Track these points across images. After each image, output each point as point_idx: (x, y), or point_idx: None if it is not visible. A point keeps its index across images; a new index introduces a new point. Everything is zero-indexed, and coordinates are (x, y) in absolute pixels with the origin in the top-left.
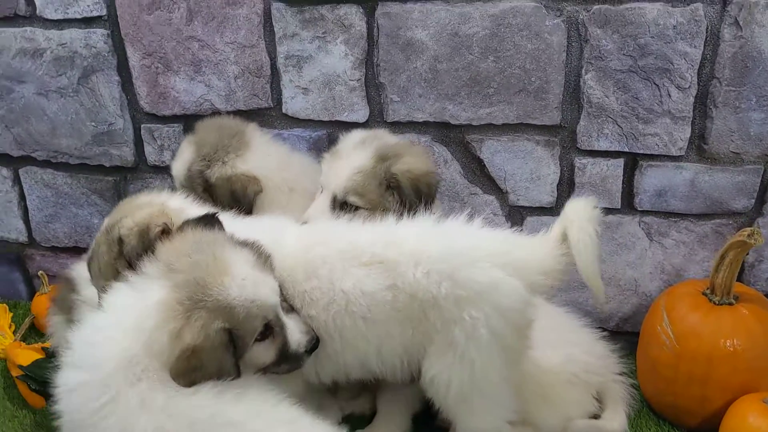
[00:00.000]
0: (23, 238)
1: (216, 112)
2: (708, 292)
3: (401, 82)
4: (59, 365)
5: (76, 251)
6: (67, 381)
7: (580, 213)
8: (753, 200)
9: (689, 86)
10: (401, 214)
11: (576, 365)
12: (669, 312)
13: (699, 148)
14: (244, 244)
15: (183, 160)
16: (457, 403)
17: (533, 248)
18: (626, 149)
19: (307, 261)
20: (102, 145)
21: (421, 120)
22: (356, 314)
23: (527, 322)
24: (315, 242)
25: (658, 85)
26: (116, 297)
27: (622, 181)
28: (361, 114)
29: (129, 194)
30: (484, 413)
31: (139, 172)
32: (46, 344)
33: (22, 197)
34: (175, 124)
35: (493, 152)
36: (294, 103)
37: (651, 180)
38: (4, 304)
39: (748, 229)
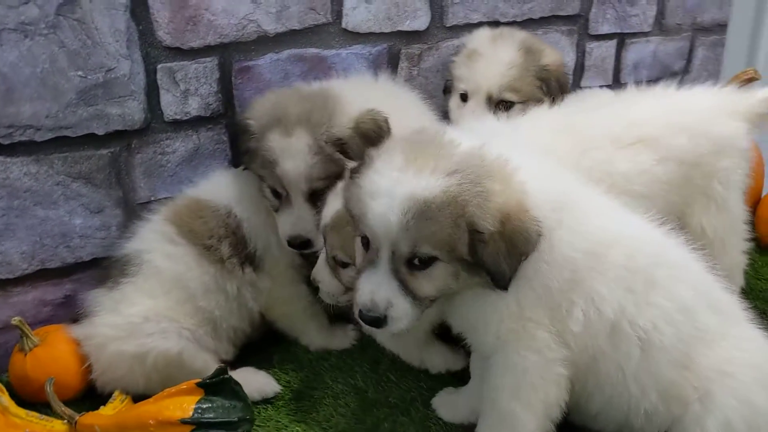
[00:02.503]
0: None
1: (263, 36)
2: None
3: None
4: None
5: (43, 277)
6: None
7: None
8: (685, 61)
9: None
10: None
11: None
12: None
13: (659, 23)
14: None
15: (302, 149)
16: (719, 247)
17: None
18: (618, 30)
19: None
20: (94, 103)
21: (476, 21)
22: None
23: (751, 163)
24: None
25: None
26: None
27: (614, 59)
28: (423, 20)
29: (135, 168)
30: (734, 249)
31: (150, 133)
32: (196, 380)
33: None
34: (207, 59)
35: None
36: (355, 15)
37: (631, 55)
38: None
39: (750, 68)
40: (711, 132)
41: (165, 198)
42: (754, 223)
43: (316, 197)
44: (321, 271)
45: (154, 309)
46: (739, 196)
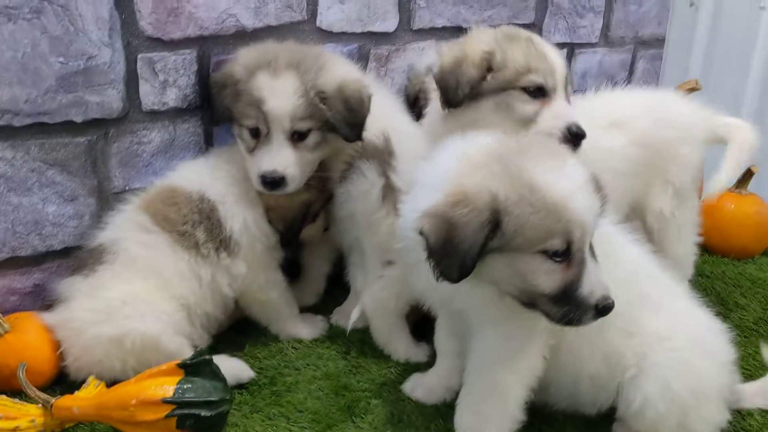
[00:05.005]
0: None
1: (241, 31)
2: None
3: None
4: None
5: (13, 265)
6: None
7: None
8: (627, 72)
9: None
10: None
11: None
12: None
13: (605, 35)
14: None
15: (289, 91)
16: (674, 232)
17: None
18: (569, 40)
19: None
20: (73, 90)
21: (440, 26)
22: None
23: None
24: None
25: None
26: None
27: None
28: (392, 23)
29: (111, 158)
30: (686, 238)
31: (127, 123)
32: (177, 360)
33: None
34: (187, 50)
35: None
36: (329, 14)
37: (580, 64)
38: None
39: (692, 79)
40: (674, 119)
41: (138, 188)
42: None
43: (295, 138)
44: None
45: (132, 293)
46: (694, 184)
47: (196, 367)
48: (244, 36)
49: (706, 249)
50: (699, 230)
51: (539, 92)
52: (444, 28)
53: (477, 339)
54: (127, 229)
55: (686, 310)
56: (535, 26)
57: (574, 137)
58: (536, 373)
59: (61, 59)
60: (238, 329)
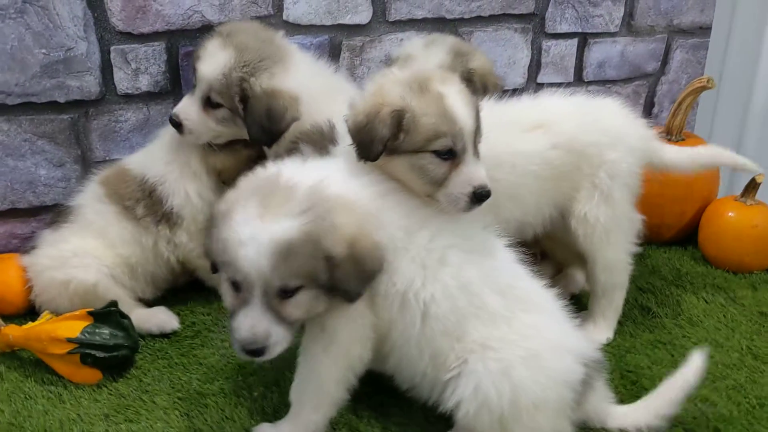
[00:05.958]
0: None
1: (207, 25)
2: (664, 134)
3: None
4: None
5: (13, 215)
6: None
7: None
8: (659, 63)
9: None
10: None
11: None
12: None
13: (628, 24)
14: None
15: (218, 63)
16: (600, 237)
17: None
18: (580, 30)
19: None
20: (56, 76)
21: (420, 17)
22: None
23: (644, 163)
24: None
25: None
26: None
27: (576, 57)
28: (365, 15)
29: (92, 132)
30: (618, 245)
31: (105, 104)
32: (89, 308)
33: None
34: (156, 43)
35: (481, 42)
36: (296, 9)
37: (595, 54)
38: None
39: (704, 77)
40: (603, 124)
41: (117, 158)
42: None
43: (210, 103)
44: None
45: (83, 248)
46: (625, 192)
47: (103, 316)
48: (210, 29)
49: (703, 258)
50: (634, 240)
51: (450, 154)
52: (425, 20)
53: (308, 328)
54: (88, 197)
55: (533, 324)
56: (536, 16)
57: (479, 198)
58: (356, 361)
59: (43, 51)
60: (196, 286)
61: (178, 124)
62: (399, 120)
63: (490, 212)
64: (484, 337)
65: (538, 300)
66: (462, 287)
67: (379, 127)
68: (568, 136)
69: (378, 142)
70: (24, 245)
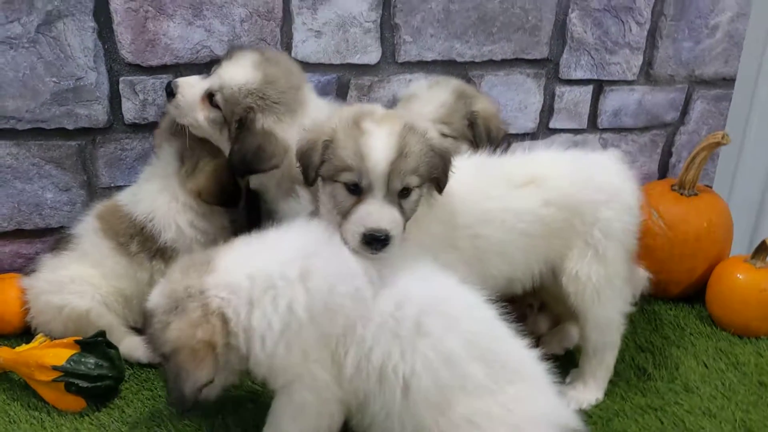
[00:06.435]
0: None
1: (215, 59)
2: (677, 187)
3: (415, 23)
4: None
5: (20, 236)
6: None
7: None
8: (678, 113)
9: (645, 22)
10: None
11: None
12: (656, 207)
13: (647, 73)
14: None
15: (242, 77)
16: (591, 296)
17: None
18: (595, 77)
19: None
20: (65, 104)
21: (430, 59)
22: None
23: (638, 221)
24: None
25: (623, 21)
26: None
27: (590, 104)
28: (374, 56)
29: (98, 159)
30: (610, 304)
31: (112, 132)
32: (77, 337)
33: None
34: (163, 75)
35: (491, 86)
36: (304, 47)
37: (611, 102)
38: None
39: (719, 132)
40: (598, 181)
41: (122, 186)
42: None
43: (211, 100)
44: None
45: (80, 275)
46: (619, 250)
47: (90, 345)
48: (218, 62)
49: (710, 318)
50: (628, 299)
51: (356, 189)
52: (435, 62)
53: (276, 397)
54: (86, 229)
55: (516, 396)
56: (551, 62)
57: (368, 242)
58: (326, 426)
59: (54, 79)
60: None
61: (171, 93)
62: (326, 149)
63: (477, 267)
64: (468, 411)
65: (520, 367)
66: (444, 360)
67: (312, 154)
68: (561, 193)
69: (312, 168)
70: (28, 265)
